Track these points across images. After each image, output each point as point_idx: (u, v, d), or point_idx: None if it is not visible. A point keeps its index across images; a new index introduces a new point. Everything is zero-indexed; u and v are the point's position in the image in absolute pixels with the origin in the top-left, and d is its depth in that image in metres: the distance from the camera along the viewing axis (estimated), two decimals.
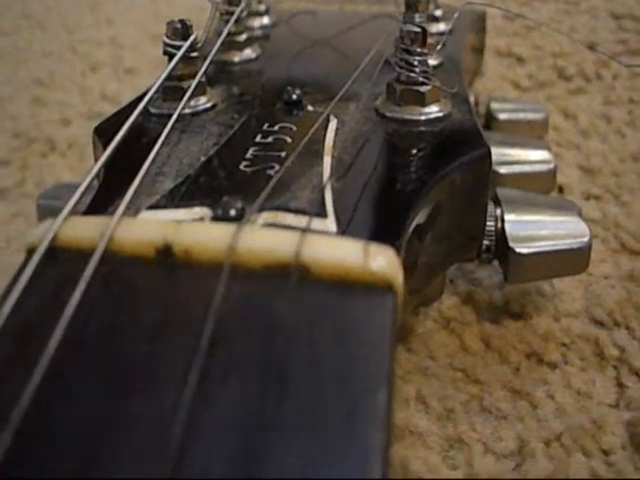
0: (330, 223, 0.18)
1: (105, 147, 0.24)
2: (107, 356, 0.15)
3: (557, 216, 0.27)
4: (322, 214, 0.18)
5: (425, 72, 0.25)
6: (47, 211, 0.31)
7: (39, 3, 0.62)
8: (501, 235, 0.26)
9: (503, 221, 0.26)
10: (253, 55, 0.33)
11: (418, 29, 0.24)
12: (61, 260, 0.16)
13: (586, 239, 0.26)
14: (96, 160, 0.27)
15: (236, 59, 0.33)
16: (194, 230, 0.16)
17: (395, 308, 0.15)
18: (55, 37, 0.57)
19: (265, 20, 0.38)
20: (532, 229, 0.26)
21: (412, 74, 0.25)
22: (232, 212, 0.17)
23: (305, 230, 0.16)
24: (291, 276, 0.15)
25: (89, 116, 0.47)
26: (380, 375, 0.14)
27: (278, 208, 0.18)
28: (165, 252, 0.16)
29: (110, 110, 0.48)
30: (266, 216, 0.18)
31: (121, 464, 0.13)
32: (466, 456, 0.25)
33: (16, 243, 0.38)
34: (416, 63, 0.25)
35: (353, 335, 0.14)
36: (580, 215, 0.27)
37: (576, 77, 0.43)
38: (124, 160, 0.22)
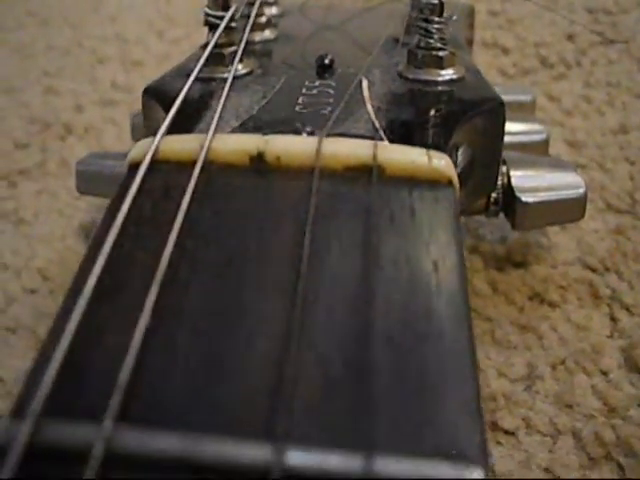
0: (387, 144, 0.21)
1: (161, 102, 0.27)
2: (226, 243, 0.17)
3: (556, 171, 0.31)
4: (379, 138, 0.21)
5: (443, 39, 0.28)
6: (85, 175, 0.34)
7: (41, 2, 0.65)
8: (508, 188, 0.30)
9: (509, 177, 0.30)
10: (272, 36, 0.36)
11: (436, 1, 0.28)
12: (164, 170, 0.19)
13: (582, 190, 0.30)
14: (145, 117, 0.29)
15: (257, 39, 0.36)
16: (283, 140, 0.19)
17: (456, 200, 0.18)
18: (60, 33, 0.60)
19: (274, 10, 0.41)
20: (535, 182, 0.30)
21: (431, 40, 0.28)
22: (304, 135, 0.20)
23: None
24: (370, 174, 0.18)
25: (102, 103, 0.50)
26: (454, 246, 0.17)
27: (341, 134, 0.21)
28: (259, 159, 0.19)
29: (123, 98, 0.51)
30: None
31: (252, 318, 0.15)
32: (483, 380, 0.29)
33: (43, 217, 0.41)
34: (434, 31, 0.28)
35: (427, 219, 0.17)
36: (575, 170, 0.31)
37: (557, 64, 0.47)
38: (180, 115, 0.24)
